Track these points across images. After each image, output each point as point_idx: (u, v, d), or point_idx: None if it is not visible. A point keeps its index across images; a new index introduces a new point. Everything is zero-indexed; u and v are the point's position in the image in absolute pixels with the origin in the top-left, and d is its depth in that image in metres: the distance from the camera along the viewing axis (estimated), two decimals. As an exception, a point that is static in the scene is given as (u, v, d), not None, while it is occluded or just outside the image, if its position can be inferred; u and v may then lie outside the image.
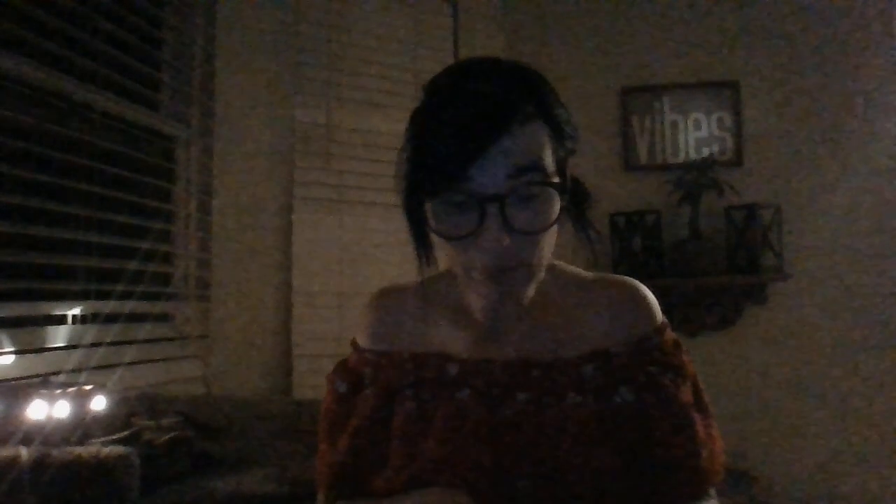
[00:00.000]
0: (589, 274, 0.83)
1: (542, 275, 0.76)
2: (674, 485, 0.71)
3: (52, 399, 0.98)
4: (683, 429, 0.73)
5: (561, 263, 0.83)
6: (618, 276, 0.82)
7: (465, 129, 0.67)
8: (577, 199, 0.79)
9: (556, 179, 0.71)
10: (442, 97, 0.71)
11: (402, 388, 0.79)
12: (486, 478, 0.70)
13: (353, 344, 0.87)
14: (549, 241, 0.73)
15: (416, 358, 0.80)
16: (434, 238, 0.75)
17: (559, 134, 0.72)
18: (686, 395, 0.75)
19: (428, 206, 0.71)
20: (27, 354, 1.31)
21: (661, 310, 0.81)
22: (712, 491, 0.75)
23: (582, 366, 0.75)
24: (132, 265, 1.60)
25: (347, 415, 0.81)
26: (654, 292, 0.81)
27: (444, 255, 0.76)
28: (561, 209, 0.71)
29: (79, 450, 0.90)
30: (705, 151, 2.75)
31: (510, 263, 0.70)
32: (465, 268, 0.73)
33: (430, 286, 0.84)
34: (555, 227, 0.72)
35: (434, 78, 0.75)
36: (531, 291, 0.76)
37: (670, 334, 0.79)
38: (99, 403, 1.04)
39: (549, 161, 0.70)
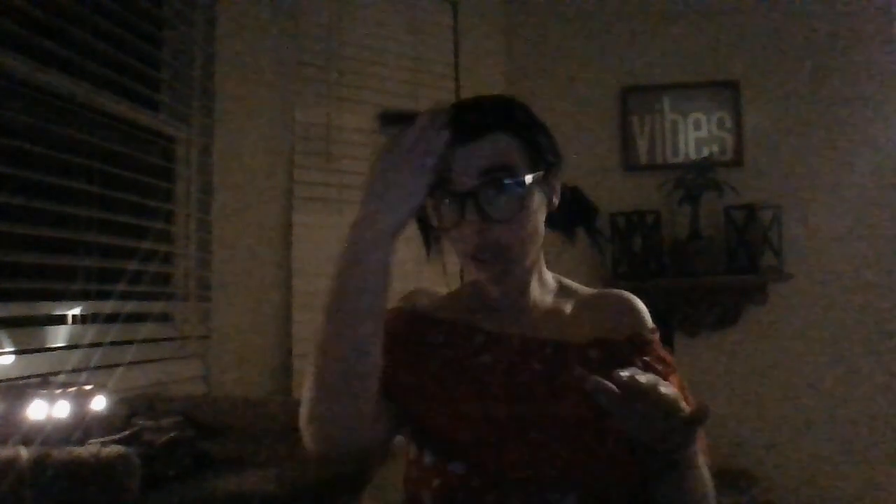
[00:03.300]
0: (588, 288, 0.97)
1: (527, 263, 0.88)
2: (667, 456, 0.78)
3: (52, 399, 0.98)
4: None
5: (565, 280, 0.97)
6: (614, 290, 0.96)
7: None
8: (585, 211, 0.96)
9: (531, 190, 0.84)
10: None
11: (433, 344, 0.89)
12: (503, 428, 0.80)
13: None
14: (530, 234, 0.85)
15: (445, 325, 0.91)
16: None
17: (534, 152, 0.86)
18: (676, 383, 0.83)
19: (428, 206, 0.85)
20: (27, 354, 1.31)
21: (661, 309, 0.89)
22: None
23: (587, 349, 0.86)
24: (132, 265, 1.60)
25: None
26: (653, 292, 0.91)
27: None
28: (547, 216, 0.88)
29: (79, 450, 0.90)
30: (705, 151, 2.75)
31: (492, 249, 0.83)
32: (461, 256, 0.87)
33: (457, 289, 0.99)
34: (537, 225, 0.86)
35: None
36: (528, 284, 0.91)
37: (658, 340, 0.90)
38: (99, 403, 1.04)
39: (520, 167, 0.84)
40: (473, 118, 0.83)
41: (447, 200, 0.83)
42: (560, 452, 0.79)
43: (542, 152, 0.87)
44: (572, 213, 0.94)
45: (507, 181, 0.82)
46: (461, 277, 0.98)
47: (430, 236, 0.92)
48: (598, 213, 0.97)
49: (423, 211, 0.86)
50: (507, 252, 0.84)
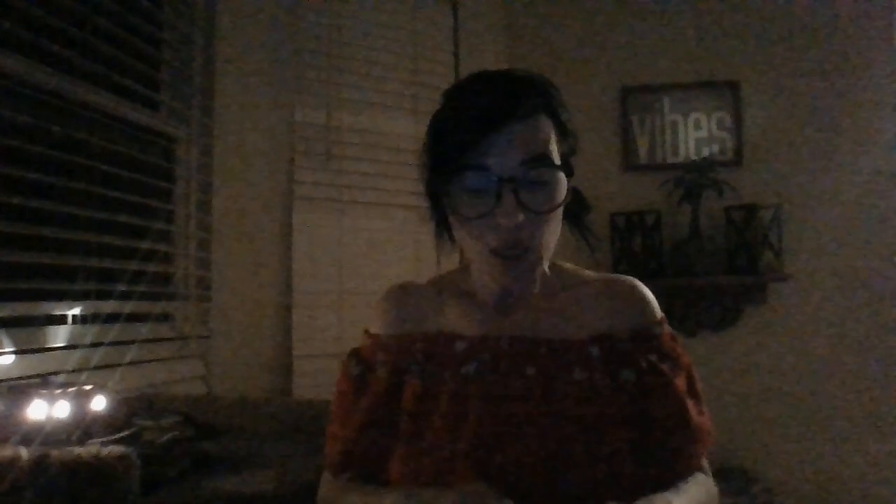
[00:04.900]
0: (592, 273, 0.89)
1: (546, 262, 0.81)
2: (669, 464, 0.77)
3: (52, 399, 0.98)
4: (679, 414, 0.78)
5: (565, 263, 0.90)
6: (619, 275, 0.88)
7: (481, 113, 0.75)
8: (577, 207, 0.87)
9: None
10: (460, 92, 0.81)
11: (410, 366, 0.82)
12: (490, 448, 0.73)
13: (366, 332, 0.90)
14: (555, 228, 0.80)
15: (425, 338, 0.84)
16: (456, 235, 0.82)
17: (563, 131, 0.81)
18: (681, 383, 0.80)
19: (449, 194, 0.78)
20: (27, 354, 1.31)
21: (661, 308, 0.86)
22: (705, 462, 0.83)
23: (588, 346, 0.79)
24: (132, 265, 1.60)
25: (359, 395, 0.84)
26: (654, 292, 0.86)
27: (464, 246, 0.82)
28: (565, 195, 0.78)
29: (79, 450, 0.90)
30: (705, 151, 2.75)
31: (522, 243, 0.76)
32: (481, 251, 0.78)
33: (444, 278, 0.91)
34: (559, 218, 0.80)
35: (453, 84, 0.84)
36: (537, 279, 0.81)
37: (668, 329, 0.85)
38: (99, 403, 1.04)
39: (555, 153, 0.78)
40: (513, 97, 0.75)
41: (479, 187, 0.75)
42: (552, 468, 0.72)
43: (567, 135, 0.82)
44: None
45: (549, 173, 0.76)
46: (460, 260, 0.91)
47: (444, 227, 0.85)
48: (590, 211, 0.89)
49: (440, 197, 0.81)
50: (535, 249, 0.77)
